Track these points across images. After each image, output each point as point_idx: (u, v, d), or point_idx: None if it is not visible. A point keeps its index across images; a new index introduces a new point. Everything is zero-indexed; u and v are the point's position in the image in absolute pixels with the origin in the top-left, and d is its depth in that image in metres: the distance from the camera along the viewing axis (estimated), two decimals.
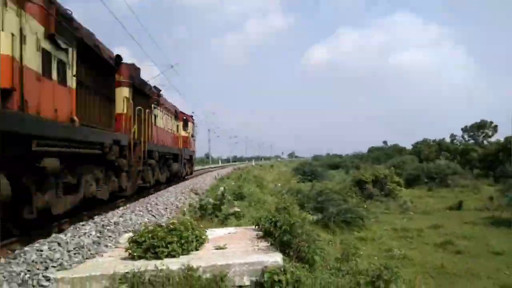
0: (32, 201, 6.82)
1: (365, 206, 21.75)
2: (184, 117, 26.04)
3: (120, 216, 9.07)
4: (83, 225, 7.81)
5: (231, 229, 8.31)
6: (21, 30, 6.38)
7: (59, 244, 6.07)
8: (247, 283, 5.18)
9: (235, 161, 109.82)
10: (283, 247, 6.10)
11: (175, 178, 22.26)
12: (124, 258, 5.64)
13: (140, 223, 8.72)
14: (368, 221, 18.38)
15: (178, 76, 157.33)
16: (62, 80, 7.92)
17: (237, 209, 10.71)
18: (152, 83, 17.39)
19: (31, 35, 6.69)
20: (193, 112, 34.50)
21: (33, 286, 4.62)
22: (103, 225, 7.89)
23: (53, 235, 6.68)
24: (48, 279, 4.78)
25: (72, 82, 8.38)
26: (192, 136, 29.11)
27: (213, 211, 10.17)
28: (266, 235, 6.89)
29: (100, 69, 10.35)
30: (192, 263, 4.99)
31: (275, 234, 6.39)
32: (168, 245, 5.59)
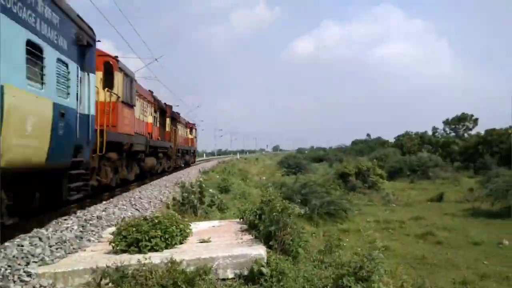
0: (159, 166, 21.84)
1: (348, 198, 21.95)
2: (191, 126, 40.82)
3: (103, 210, 8.99)
4: (65, 219, 7.72)
5: (215, 222, 8.32)
6: (150, 113, 20.03)
7: (40, 239, 5.99)
8: (231, 276, 5.19)
9: (219, 155, 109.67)
10: (267, 239, 6.13)
11: (185, 165, 35.38)
12: (107, 252, 5.61)
13: (124, 217, 8.67)
14: (351, 213, 18.56)
15: (163, 69, 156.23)
16: (155, 123, 21.12)
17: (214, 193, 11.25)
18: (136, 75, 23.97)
19: (152, 113, 20.50)
20: (177, 105, 39.25)
21: (14, 281, 4.56)
22: (85, 220, 7.81)
23: (34, 229, 6.58)
24: (29, 274, 4.71)
25: (157, 123, 21.99)
26: (195, 137, 44.11)
27: (192, 204, 10.09)
28: (251, 228, 6.92)
29: (162, 113, 23.74)
30: (175, 256, 4.97)
31: (259, 227, 6.42)
32: (152, 239, 5.57)
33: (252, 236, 6.53)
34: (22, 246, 5.59)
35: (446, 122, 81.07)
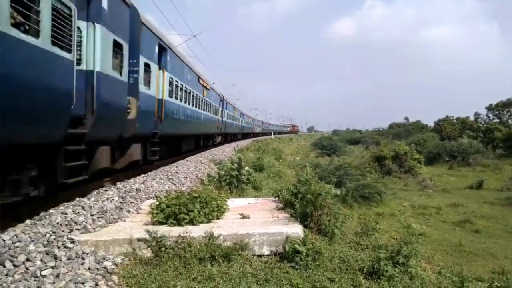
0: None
1: (383, 182, 21.60)
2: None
3: (142, 183, 9.17)
4: (106, 190, 7.92)
5: (251, 200, 8.36)
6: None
7: (83, 207, 6.17)
8: (267, 252, 5.22)
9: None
10: (303, 218, 6.11)
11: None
12: (146, 224, 5.73)
13: (162, 191, 8.84)
14: (386, 197, 18.23)
15: (201, 46, 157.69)
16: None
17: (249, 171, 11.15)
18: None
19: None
20: (213, 83, 40.23)
21: (58, 247, 4.72)
22: (125, 191, 7.98)
23: (77, 198, 6.79)
24: (72, 241, 4.88)
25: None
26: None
27: (231, 179, 10.12)
28: (287, 206, 6.91)
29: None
30: (213, 231, 5.04)
31: (295, 205, 6.39)
32: (190, 213, 5.65)
33: (288, 214, 6.53)
34: (66, 213, 5.77)
35: (490, 108, 77.86)
